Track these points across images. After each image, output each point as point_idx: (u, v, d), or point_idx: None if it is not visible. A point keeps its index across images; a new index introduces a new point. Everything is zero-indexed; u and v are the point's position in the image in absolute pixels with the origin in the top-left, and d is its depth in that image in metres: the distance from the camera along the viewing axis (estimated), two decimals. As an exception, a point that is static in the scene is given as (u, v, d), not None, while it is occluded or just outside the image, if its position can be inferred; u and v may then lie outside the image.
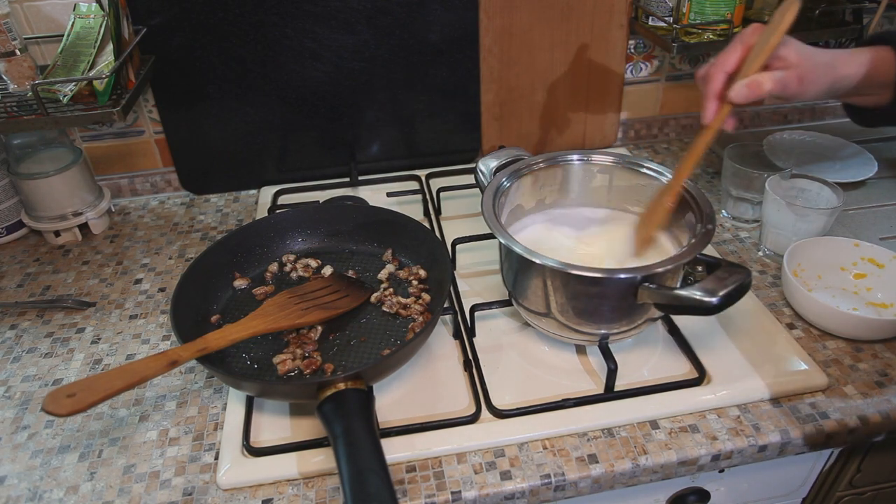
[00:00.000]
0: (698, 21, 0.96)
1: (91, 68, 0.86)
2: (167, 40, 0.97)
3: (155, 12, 0.95)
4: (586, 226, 0.85)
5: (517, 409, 0.69)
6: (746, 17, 1.01)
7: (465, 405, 0.71)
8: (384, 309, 0.79)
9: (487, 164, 0.85)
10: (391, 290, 0.82)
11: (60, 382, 0.77)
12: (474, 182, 0.88)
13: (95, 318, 0.86)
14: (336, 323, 0.78)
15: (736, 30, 0.97)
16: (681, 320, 0.79)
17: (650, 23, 1.03)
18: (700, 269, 0.71)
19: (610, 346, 0.72)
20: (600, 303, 0.68)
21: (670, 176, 0.78)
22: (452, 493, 0.63)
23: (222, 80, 1.01)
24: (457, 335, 0.79)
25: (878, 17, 1.01)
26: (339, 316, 0.78)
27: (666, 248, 0.79)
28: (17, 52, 0.85)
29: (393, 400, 0.72)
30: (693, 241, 0.69)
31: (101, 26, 0.88)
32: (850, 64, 0.69)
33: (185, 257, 0.97)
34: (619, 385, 0.71)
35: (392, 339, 0.76)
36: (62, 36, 0.90)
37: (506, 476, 0.65)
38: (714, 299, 0.62)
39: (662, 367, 0.75)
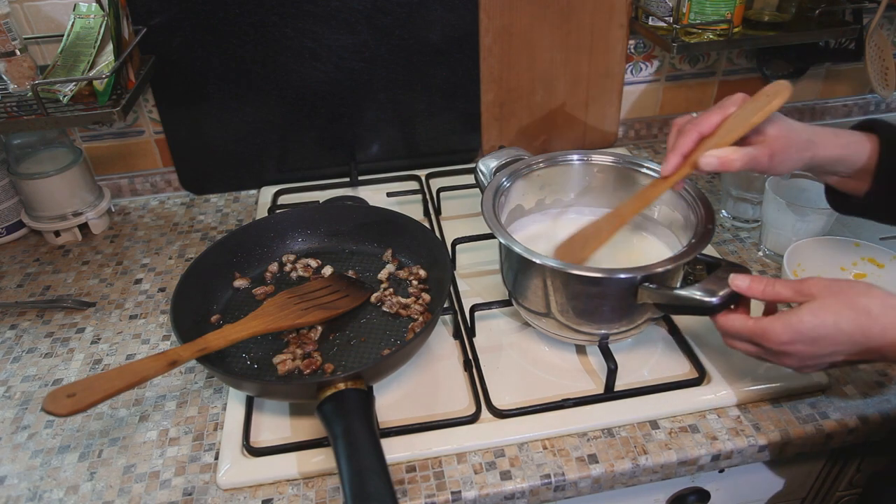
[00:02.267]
0: (698, 21, 0.96)
1: (91, 68, 0.86)
2: (167, 40, 0.97)
3: (155, 12, 0.95)
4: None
5: (517, 409, 0.69)
6: (746, 16, 1.01)
7: (465, 405, 0.71)
8: (384, 309, 0.79)
9: (487, 164, 0.85)
10: (391, 290, 0.82)
11: (60, 382, 0.77)
12: (474, 182, 0.88)
13: (95, 318, 0.86)
14: (336, 323, 0.78)
15: (736, 30, 0.97)
16: (681, 320, 0.79)
17: (650, 23, 1.03)
18: (700, 268, 0.71)
19: (610, 346, 0.72)
20: (600, 303, 0.68)
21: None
22: (452, 493, 0.63)
23: (222, 80, 1.01)
24: (457, 335, 0.79)
25: (878, 17, 1.01)
26: (339, 316, 0.78)
27: (662, 249, 0.79)
28: (17, 52, 0.85)
29: (393, 400, 0.72)
30: (693, 241, 0.69)
31: (101, 26, 0.88)
32: (830, 145, 0.67)
33: (185, 257, 0.97)
34: (619, 385, 0.72)
35: (392, 339, 0.76)
36: (62, 36, 0.90)
37: (506, 476, 0.65)
38: (714, 299, 0.62)
39: (662, 367, 0.75)
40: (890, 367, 0.74)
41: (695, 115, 0.69)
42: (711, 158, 0.64)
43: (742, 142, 0.65)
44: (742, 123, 0.65)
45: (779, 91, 0.65)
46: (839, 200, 0.73)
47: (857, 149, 0.67)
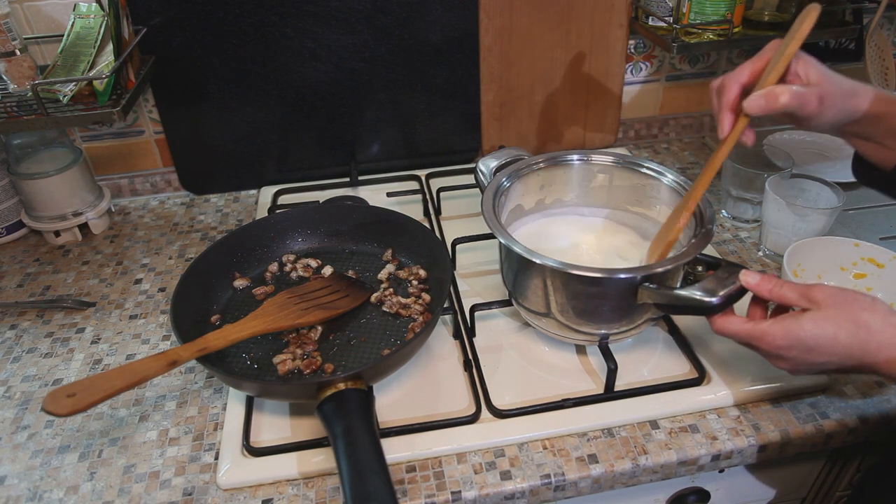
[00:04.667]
0: (698, 21, 0.96)
1: (91, 68, 0.86)
2: (167, 40, 0.97)
3: (155, 12, 0.95)
4: (586, 226, 0.85)
5: (517, 409, 0.69)
6: (746, 16, 1.01)
7: (465, 405, 0.71)
8: (384, 309, 0.79)
9: (487, 164, 0.85)
10: (391, 290, 0.82)
11: (60, 382, 0.77)
12: (474, 182, 0.88)
13: (95, 318, 0.86)
14: (336, 323, 0.78)
15: (736, 30, 0.97)
16: (681, 320, 0.79)
17: (650, 23, 1.03)
18: (700, 268, 0.71)
19: (610, 346, 0.72)
20: (600, 303, 0.68)
21: (671, 176, 0.79)
22: (452, 493, 0.63)
23: (222, 80, 1.01)
24: (457, 335, 0.79)
25: (878, 17, 1.01)
26: (339, 316, 0.78)
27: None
28: (17, 52, 0.85)
29: (393, 400, 0.72)
30: (693, 241, 0.69)
31: (101, 26, 0.88)
32: (872, 99, 0.64)
33: (185, 257, 0.97)
34: (619, 385, 0.71)
35: (392, 339, 0.76)
36: (62, 36, 0.90)
37: (506, 476, 0.65)
38: (714, 299, 0.62)
39: (662, 367, 0.75)
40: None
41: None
42: (758, 99, 0.61)
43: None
44: (780, 56, 0.62)
45: (808, 13, 0.62)
46: (864, 171, 0.71)
47: None
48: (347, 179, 1.10)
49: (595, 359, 0.76)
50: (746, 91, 0.64)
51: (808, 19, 0.61)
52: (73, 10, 0.90)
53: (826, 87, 0.62)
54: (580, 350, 0.77)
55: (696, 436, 0.68)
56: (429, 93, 1.07)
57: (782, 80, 0.63)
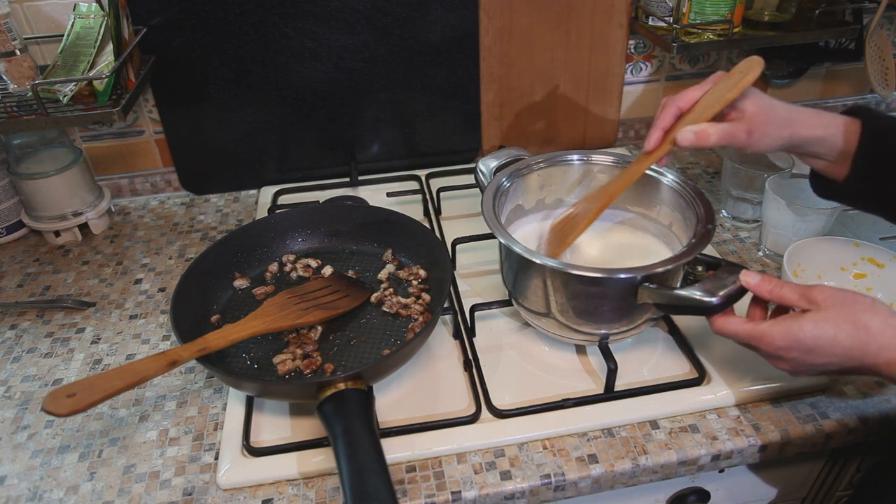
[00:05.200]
0: (698, 21, 0.96)
1: (91, 68, 0.86)
2: (167, 40, 0.97)
3: (155, 12, 0.95)
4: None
5: (517, 409, 0.69)
6: (746, 16, 1.01)
7: (465, 405, 0.71)
8: (384, 309, 0.79)
9: (487, 164, 0.85)
10: (391, 290, 0.82)
11: (60, 382, 0.77)
12: (474, 182, 0.88)
13: (95, 318, 0.86)
14: (336, 323, 0.78)
15: (736, 30, 0.97)
16: (681, 320, 0.79)
17: (650, 23, 1.03)
18: (700, 269, 0.71)
19: (610, 346, 0.72)
20: (600, 303, 0.68)
21: (671, 176, 0.79)
22: (452, 493, 0.63)
23: (222, 80, 1.01)
24: (457, 335, 0.79)
25: (878, 17, 1.01)
26: (339, 316, 0.78)
27: (662, 249, 0.79)
28: (17, 52, 0.85)
29: (393, 400, 0.72)
30: (693, 241, 0.69)
31: (101, 26, 0.88)
32: (810, 124, 0.67)
33: (185, 257, 0.97)
34: (619, 385, 0.71)
35: (392, 339, 0.76)
36: (62, 36, 0.90)
37: (506, 476, 0.65)
38: (714, 299, 0.62)
39: (662, 367, 0.75)
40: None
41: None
42: (689, 133, 0.66)
43: (721, 118, 0.67)
44: (718, 99, 0.66)
45: (751, 66, 0.66)
46: (821, 185, 0.73)
47: (838, 130, 0.67)
48: (347, 179, 1.10)
49: (595, 359, 0.76)
50: (682, 115, 0.69)
51: (752, 73, 0.65)
52: (73, 10, 0.90)
53: (757, 120, 0.65)
54: (580, 350, 0.77)
55: (696, 436, 0.68)
56: (429, 93, 1.07)
57: (719, 113, 0.67)
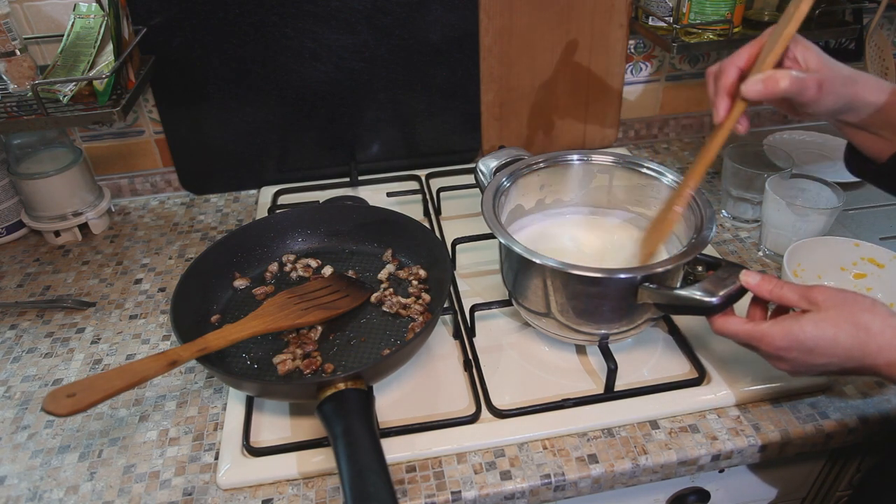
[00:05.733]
0: (698, 21, 0.96)
1: (91, 68, 0.86)
2: (167, 40, 0.97)
3: (155, 12, 0.95)
4: (586, 226, 0.85)
5: (517, 409, 0.69)
6: (746, 16, 1.01)
7: (465, 405, 0.71)
8: (384, 309, 0.79)
9: (487, 164, 0.85)
10: (391, 290, 0.82)
11: (60, 382, 0.77)
12: (474, 182, 0.88)
13: (95, 318, 0.86)
14: (336, 323, 0.78)
15: (736, 30, 0.97)
16: (681, 320, 0.79)
17: (650, 23, 1.03)
18: (700, 269, 0.71)
19: (610, 346, 0.72)
20: (600, 303, 0.68)
21: (671, 176, 0.79)
22: (452, 493, 0.63)
23: (222, 80, 1.01)
24: (457, 335, 0.79)
25: (878, 17, 1.01)
26: (339, 316, 0.78)
27: (660, 249, 0.79)
28: (17, 52, 0.85)
29: (393, 400, 0.72)
30: (693, 241, 0.69)
31: (101, 26, 0.88)
32: (871, 87, 0.62)
33: (185, 257, 0.97)
34: (619, 385, 0.71)
35: (392, 339, 0.76)
36: (62, 36, 0.90)
37: (506, 476, 0.65)
38: (714, 299, 0.62)
39: (662, 367, 0.75)
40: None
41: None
42: (756, 84, 0.59)
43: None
44: (777, 40, 0.60)
45: None
46: (858, 162, 0.70)
47: (895, 99, 0.62)
48: (347, 179, 1.10)
49: (595, 359, 0.76)
50: (744, 76, 0.62)
51: (805, 2, 0.58)
52: (73, 10, 0.90)
53: (825, 74, 0.60)
54: (580, 350, 0.77)
55: (696, 436, 0.68)
56: (429, 93, 1.07)
57: (780, 64, 0.61)
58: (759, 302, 0.64)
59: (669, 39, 0.98)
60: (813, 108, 0.62)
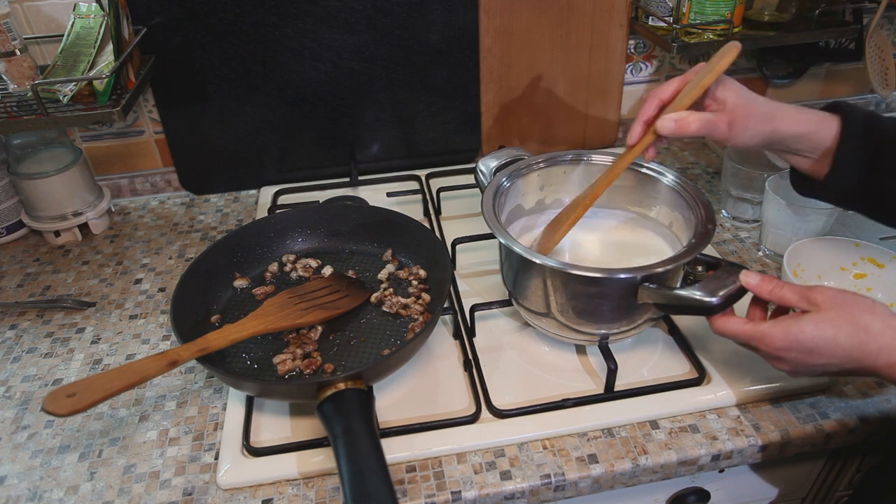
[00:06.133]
0: (698, 21, 0.96)
1: (91, 68, 0.86)
2: (167, 40, 0.97)
3: (155, 12, 0.95)
4: (586, 226, 0.85)
5: (517, 409, 0.69)
6: (746, 16, 1.01)
7: (465, 405, 0.71)
8: (384, 309, 0.79)
9: (487, 164, 0.85)
10: (391, 290, 0.82)
11: (60, 382, 0.77)
12: (474, 182, 0.88)
13: (95, 318, 0.86)
14: (336, 323, 0.78)
15: (736, 30, 0.97)
16: (681, 320, 0.79)
17: (650, 23, 1.03)
18: (700, 269, 0.71)
19: (610, 346, 0.72)
20: (600, 303, 0.68)
21: (671, 176, 0.79)
22: (452, 493, 0.63)
23: (222, 80, 1.01)
24: (457, 335, 0.79)
25: (878, 17, 1.01)
26: (339, 316, 0.78)
27: (662, 248, 0.79)
28: (17, 52, 0.85)
29: (393, 400, 0.72)
30: (693, 241, 0.69)
31: (101, 26, 0.88)
32: (791, 120, 0.66)
33: (185, 257, 0.97)
34: (619, 385, 0.71)
35: (392, 339, 0.76)
36: (62, 36, 0.90)
37: (506, 476, 0.65)
38: (714, 299, 0.62)
39: (662, 367, 0.75)
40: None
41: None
42: (668, 122, 0.65)
43: (702, 109, 0.67)
44: (696, 85, 0.65)
45: (728, 50, 0.65)
46: (801, 182, 0.73)
47: (820, 127, 0.66)
48: (347, 179, 1.10)
49: (595, 359, 0.76)
50: (664, 107, 0.68)
51: (728, 56, 0.65)
52: (73, 10, 0.90)
53: (738, 112, 0.65)
54: (580, 350, 0.77)
55: (696, 436, 0.68)
56: (429, 93, 1.08)
57: (701, 101, 0.67)
58: (758, 302, 0.64)
59: (669, 39, 0.98)
60: (730, 142, 0.66)
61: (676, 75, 0.70)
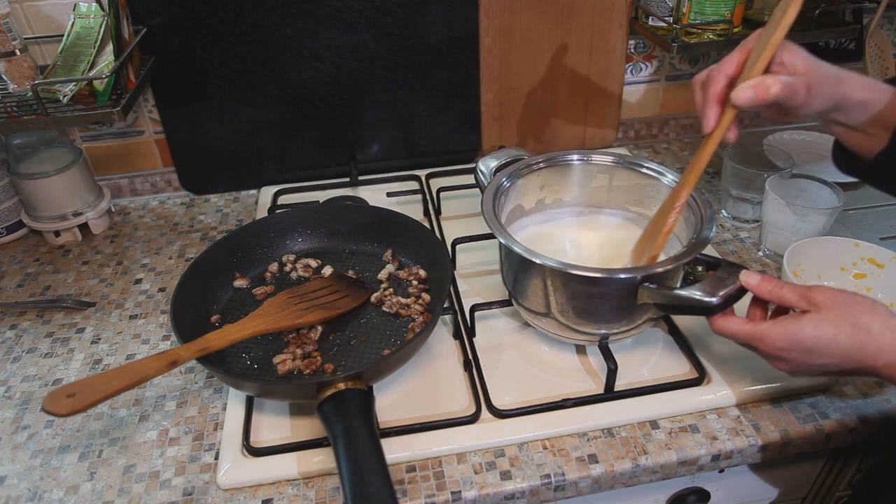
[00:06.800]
0: (698, 21, 0.96)
1: (91, 68, 0.86)
2: (167, 40, 0.97)
3: (155, 12, 0.95)
4: (586, 226, 0.85)
5: (517, 409, 0.69)
6: (746, 16, 1.01)
7: (465, 405, 0.71)
8: (384, 309, 0.79)
9: (487, 164, 0.85)
10: (391, 290, 0.82)
11: (60, 382, 0.77)
12: (474, 182, 0.88)
13: (95, 318, 0.86)
14: (336, 323, 0.78)
15: (736, 30, 0.97)
16: (681, 320, 0.79)
17: (650, 23, 1.03)
18: (700, 269, 0.71)
19: (610, 346, 0.72)
20: (600, 303, 0.68)
21: (671, 176, 0.79)
22: (452, 493, 0.63)
23: (222, 80, 1.01)
24: (457, 335, 0.79)
25: (878, 17, 1.01)
26: (339, 316, 0.78)
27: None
28: (17, 52, 0.85)
29: (393, 400, 0.72)
30: (693, 241, 0.69)
31: (101, 26, 0.88)
32: (858, 86, 0.62)
33: (185, 257, 0.97)
34: (619, 385, 0.72)
35: (392, 339, 0.76)
36: (62, 36, 0.90)
37: (506, 476, 0.65)
38: (714, 299, 0.62)
39: (662, 367, 0.75)
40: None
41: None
42: (745, 90, 0.59)
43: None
44: (765, 46, 0.59)
45: (790, 2, 0.58)
46: (846, 160, 0.70)
47: (883, 97, 0.63)
48: (347, 179, 1.10)
49: (595, 359, 0.76)
50: (733, 83, 0.61)
51: (792, 7, 0.58)
52: (73, 10, 0.90)
53: (813, 76, 0.60)
54: (580, 350, 0.77)
55: (696, 436, 0.68)
56: (429, 93, 1.08)
57: (767, 69, 0.60)
58: (758, 302, 0.64)
59: (669, 39, 0.98)
60: (803, 111, 0.62)
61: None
